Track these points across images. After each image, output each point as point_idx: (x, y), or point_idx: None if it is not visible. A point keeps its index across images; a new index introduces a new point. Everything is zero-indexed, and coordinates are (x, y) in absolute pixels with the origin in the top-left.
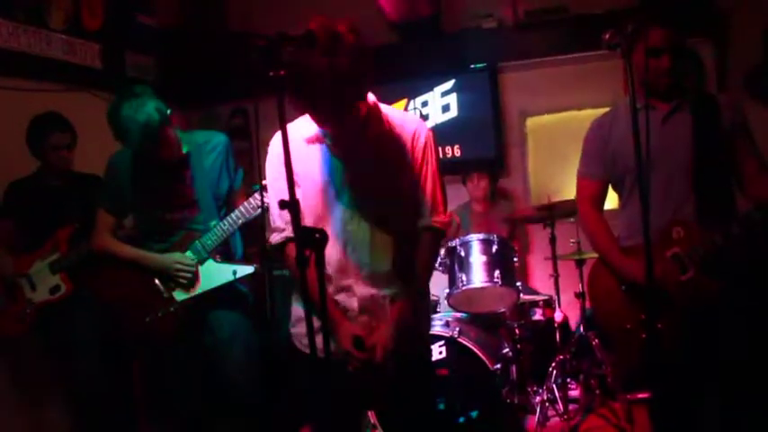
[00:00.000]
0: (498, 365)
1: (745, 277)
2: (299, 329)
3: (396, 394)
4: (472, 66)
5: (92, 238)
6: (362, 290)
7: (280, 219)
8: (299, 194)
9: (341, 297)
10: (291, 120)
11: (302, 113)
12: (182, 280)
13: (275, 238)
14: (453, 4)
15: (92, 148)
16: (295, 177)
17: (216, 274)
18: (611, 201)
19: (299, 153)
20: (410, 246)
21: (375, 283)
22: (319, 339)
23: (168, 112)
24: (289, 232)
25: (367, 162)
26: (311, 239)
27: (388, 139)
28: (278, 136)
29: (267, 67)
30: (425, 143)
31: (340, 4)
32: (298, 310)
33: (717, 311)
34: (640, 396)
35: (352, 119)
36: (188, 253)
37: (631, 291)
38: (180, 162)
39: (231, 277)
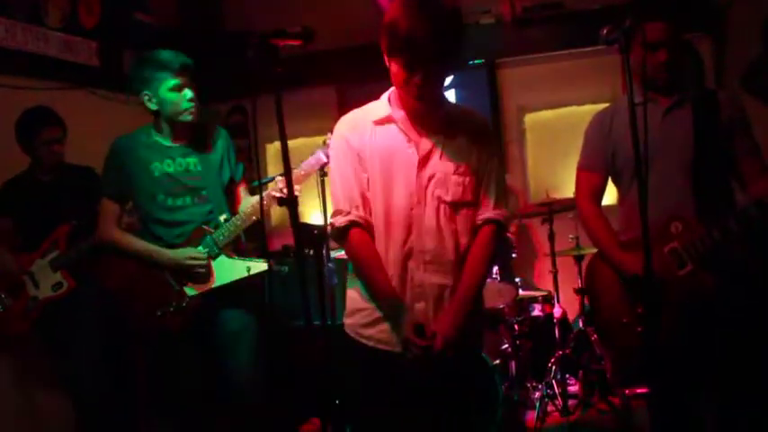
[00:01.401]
0: (498, 361)
1: (743, 273)
2: (355, 320)
3: (446, 386)
4: (470, 62)
5: (98, 229)
6: (422, 276)
7: (346, 201)
8: (364, 179)
9: (399, 282)
10: (289, 118)
11: (395, 77)
12: (194, 273)
13: (339, 221)
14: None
15: (89, 145)
16: (362, 161)
17: (230, 269)
18: (610, 196)
19: (366, 136)
20: (473, 237)
21: (436, 271)
22: (376, 330)
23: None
24: (353, 216)
25: (436, 146)
26: (310, 236)
27: (458, 128)
28: (341, 121)
29: (265, 64)
30: (491, 136)
31: (337, 2)
32: (356, 299)
33: (714, 307)
34: (639, 391)
35: (440, 89)
36: (200, 248)
37: (629, 285)
38: (187, 142)
39: (245, 273)
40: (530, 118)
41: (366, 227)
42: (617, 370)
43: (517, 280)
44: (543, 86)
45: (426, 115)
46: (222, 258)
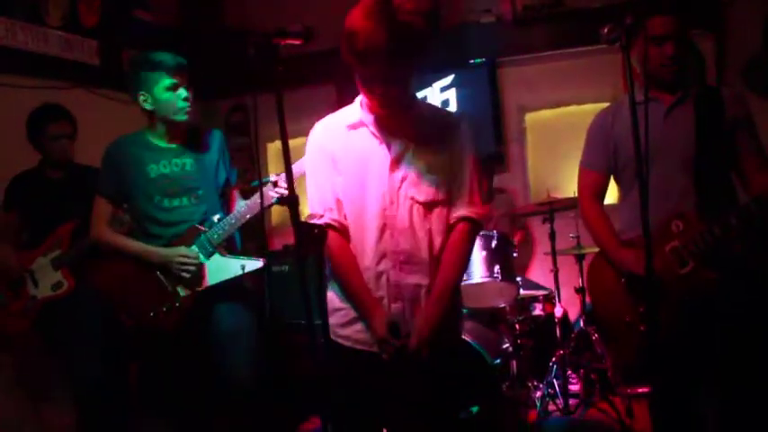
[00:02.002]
0: (498, 360)
1: (744, 270)
2: (333, 320)
3: (422, 384)
4: (471, 61)
5: (91, 228)
6: (398, 277)
7: (319, 205)
8: (338, 182)
9: (375, 284)
10: (291, 116)
11: (359, 85)
12: (185, 274)
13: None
14: (452, 0)
15: (89, 144)
16: (335, 166)
17: (224, 268)
18: (611, 195)
19: (340, 140)
20: (447, 235)
21: (411, 271)
22: (353, 330)
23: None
24: (327, 219)
25: (408, 147)
26: (310, 235)
27: (430, 127)
28: (317, 125)
29: (266, 63)
30: (466, 132)
31: (336, 1)
32: (333, 299)
33: (715, 304)
34: (640, 390)
35: (403, 95)
36: (193, 247)
37: (631, 283)
38: (183, 143)
39: (239, 271)
40: (530, 117)
41: (340, 229)
42: (618, 369)
43: (518, 279)
44: (544, 86)
45: (396, 118)
46: (216, 257)
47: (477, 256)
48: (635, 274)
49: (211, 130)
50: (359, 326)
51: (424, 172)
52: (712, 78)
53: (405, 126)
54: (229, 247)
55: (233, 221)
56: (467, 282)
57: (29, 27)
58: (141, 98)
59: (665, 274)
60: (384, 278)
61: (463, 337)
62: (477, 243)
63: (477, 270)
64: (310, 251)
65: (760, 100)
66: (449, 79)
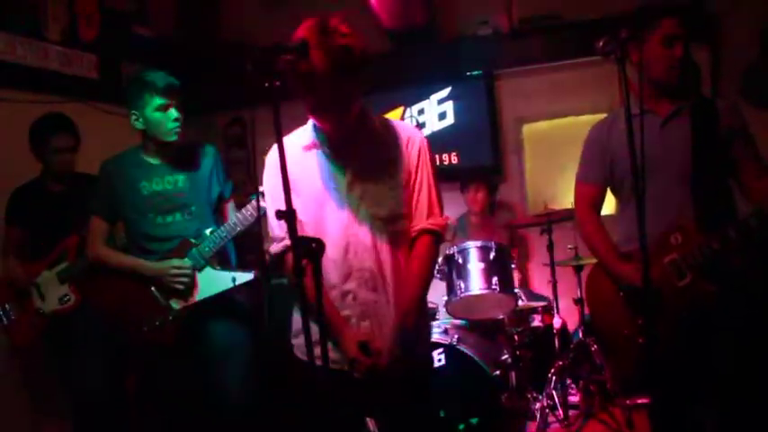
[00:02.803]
0: (497, 372)
1: (743, 282)
2: (301, 340)
3: (399, 399)
4: (468, 73)
5: (87, 246)
6: (364, 294)
7: (279, 228)
8: (297, 203)
9: (342, 303)
10: (288, 129)
11: (307, 112)
12: (179, 286)
13: (275, 247)
14: (448, 12)
15: (89, 158)
16: (293, 186)
17: (215, 281)
18: (610, 206)
19: (296, 161)
20: (409, 249)
21: (377, 288)
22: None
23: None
24: (288, 241)
25: (364, 165)
26: (308, 249)
27: (384, 143)
28: (275, 147)
29: (263, 78)
30: (420, 147)
31: (334, 13)
32: (299, 320)
33: (713, 316)
34: (640, 401)
35: (350, 116)
36: (185, 260)
37: (629, 296)
38: (175, 161)
39: (230, 284)
40: (528, 128)
41: None
42: (617, 380)
43: (516, 290)
44: (541, 97)
45: (349, 137)
46: (208, 270)
47: (476, 267)
48: (633, 288)
49: (204, 145)
50: (329, 345)
51: (381, 188)
52: (708, 89)
53: (359, 144)
54: (222, 260)
55: (224, 234)
56: (466, 294)
57: (28, 41)
58: (133, 117)
59: (663, 286)
60: (350, 296)
61: (462, 348)
62: (476, 255)
63: (476, 282)
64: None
65: (756, 111)
66: (446, 91)
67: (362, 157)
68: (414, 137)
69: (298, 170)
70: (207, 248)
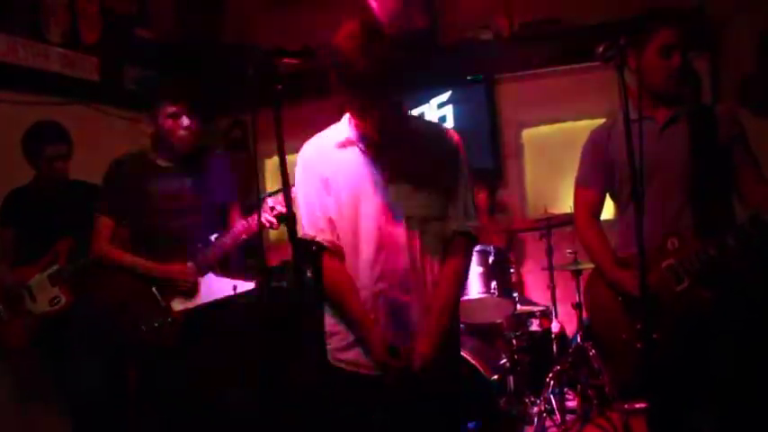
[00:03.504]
0: (496, 376)
1: (740, 287)
2: (335, 344)
3: (429, 404)
4: (468, 77)
5: (92, 244)
6: (396, 296)
7: (310, 226)
8: (329, 202)
9: (373, 304)
10: (288, 133)
11: (351, 112)
12: (181, 289)
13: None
14: (449, 17)
15: (89, 159)
16: (325, 185)
17: (216, 287)
18: (609, 211)
19: (330, 159)
20: (444, 252)
21: (409, 290)
22: (354, 353)
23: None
24: (319, 240)
25: (400, 165)
26: (308, 252)
27: (420, 143)
28: (307, 144)
29: (265, 81)
30: (458, 148)
31: (335, 18)
32: (330, 321)
33: (711, 321)
34: (638, 406)
35: (395, 118)
36: (190, 264)
37: (627, 301)
38: (183, 164)
39: (231, 292)
40: (528, 133)
41: (333, 250)
42: (616, 385)
43: (515, 295)
44: (541, 102)
45: (388, 135)
46: (210, 276)
47: (474, 271)
48: (631, 293)
49: (214, 151)
50: (359, 349)
51: (417, 189)
52: (708, 97)
53: (397, 143)
54: (225, 267)
55: (227, 241)
56: (464, 297)
57: (30, 43)
58: (146, 119)
59: (661, 291)
60: (382, 298)
61: (460, 352)
62: (474, 259)
63: (474, 285)
64: (308, 267)
65: (755, 119)
66: (446, 95)
67: (399, 156)
68: (452, 136)
69: (332, 168)
70: (210, 254)
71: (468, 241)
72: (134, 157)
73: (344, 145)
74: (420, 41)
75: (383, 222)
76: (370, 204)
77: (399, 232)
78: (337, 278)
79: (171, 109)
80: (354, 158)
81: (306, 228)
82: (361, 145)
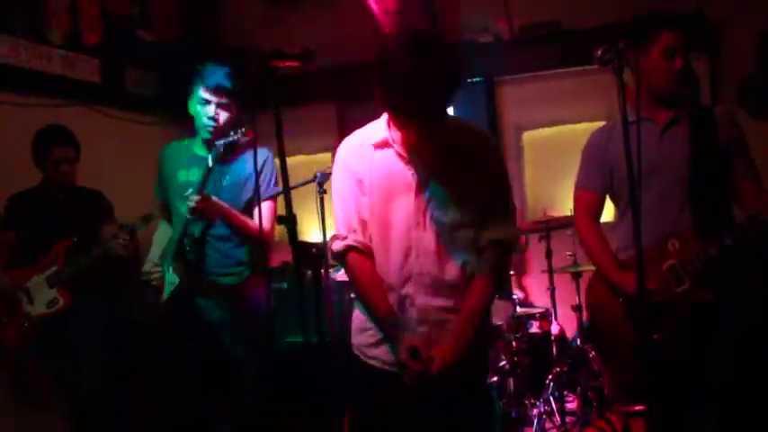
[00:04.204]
0: (495, 378)
1: (740, 288)
2: (361, 340)
3: (450, 411)
4: (468, 80)
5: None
6: (423, 299)
7: (343, 226)
8: (363, 202)
9: (400, 307)
10: (289, 135)
11: (393, 116)
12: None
13: (337, 245)
14: (449, 19)
15: (91, 161)
16: (360, 187)
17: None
18: (610, 213)
19: (366, 159)
20: (476, 258)
21: (437, 294)
22: (382, 350)
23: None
24: (350, 240)
25: (435, 168)
26: (308, 255)
27: (456, 146)
28: (344, 143)
29: (265, 85)
30: (495, 153)
31: (336, 20)
32: (361, 318)
33: (712, 322)
34: (637, 408)
35: (438, 125)
36: (164, 259)
37: (628, 302)
38: (217, 156)
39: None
40: (528, 136)
41: (365, 251)
42: (616, 386)
43: (514, 297)
44: (541, 104)
45: (425, 139)
46: (168, 275)
47: None
48: (631, 295)
49: (257, 148)
50: (387, 347)
51: (450, 194)
52: (707, 99)
53: (432, 146)
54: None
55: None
56: None
57: (31, 45)
58: (188, 102)
59: (662, 293)
60: (408, 301)
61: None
62: None
63: None
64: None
65: (755, 121)
66: None
67: (435, 159)
68: (489, 140)
69: (366, 168)
70: (170, 251)
71: (503, 250)
72: (180, 143)
73: (381, 146)
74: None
75: (413, 226)
76: (402, 208)
77: (429, 237)
78: (366, 278)
79: (200, 95)
80: (390, 160)
81: (339, 227)
82: (397, 147)
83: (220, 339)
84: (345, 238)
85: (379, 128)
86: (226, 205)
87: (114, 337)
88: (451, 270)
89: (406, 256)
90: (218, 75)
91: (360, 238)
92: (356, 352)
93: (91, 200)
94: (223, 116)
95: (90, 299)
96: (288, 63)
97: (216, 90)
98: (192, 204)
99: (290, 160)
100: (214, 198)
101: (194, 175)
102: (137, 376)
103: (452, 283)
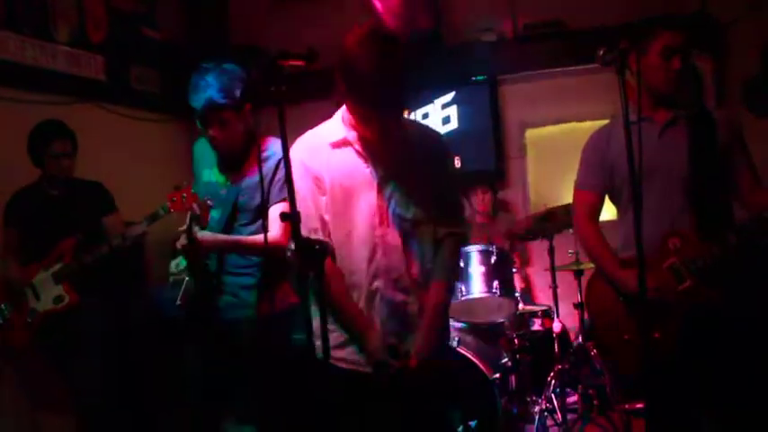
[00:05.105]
0: (497, 375)
1: (742, 287)
2: (329, 342)
3: (425, 402)
4: (472, 78)
5: None
6: (392, 295)
7: (303, 226)
8: (323, 201)
9: (369, 303)
10: (291, 133)
11: (354, 114)
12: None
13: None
14: (453, 18)
15: (96, 159)
16: (319, 184)
17: None
18: (611, 212)
19: (323, 158)
20: (435, 251)
21: (403, 289)
22: (348, 351)
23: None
24: (312, 239)
25: (394, 166)
26: (311, 252)
27: (413, 145)
28: (297, 142)
29: (269, 83)
30: (447, 153)
31: (340, 19)
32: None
33: (713, 320)
34: (638, 406)
35: (397, 122)
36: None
37: (629, 301)
38: (234, 157)
39: None
40: (531, 134)
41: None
42: (617, 385)
43: (517, 295)
44: (544, 103)
45: (383, 138)
46: None
47: (477, 271)
48: (632, 293)
49: (269, 153)
50: (353, 347)
51: (411, 192)
52: (711, 99)
53: (391, 146)
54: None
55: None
56: (466, 297)
57: (37, 43)
58: None
59: (664, 291)
60: (378, 297)
61: (462, 351)
62: (477, 258)
63: (477, 285)
64: (311, 268)
65: (758, 121)
66: (450, 96)
67: (393, 157)
68: (442, 141)
69: (325, 167)
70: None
71: (457, 241)
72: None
73: (339, 145)
74: (424, 42)
75: (377, 223)
76: (365, 205)
77: (393, 234)
78: (331, 277)
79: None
80: (350, 159)
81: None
82: (357, 146)
83: (237, 341)
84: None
85: (335, 127)
86: (222, 238)
87: (119, 335)
88: (415, 265)
89: (373, 253)
90: (208, 92)
91: (320, 236)
92: (318, 353)
93: (91, 192)
94: (224, 133)
95: (96, 297)
96: (292, 62)
97: (206, 113)
98: (179, 246)
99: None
100: (207, 235)
101: (216, 174)
102: (143, 375)
103: (416, 277)
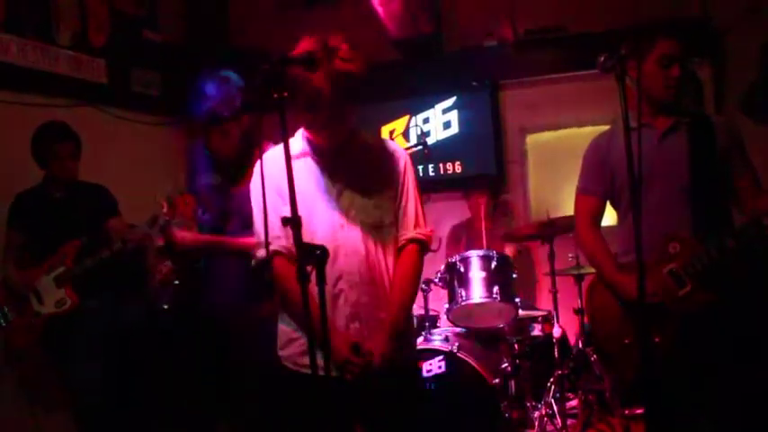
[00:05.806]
0: (497, 380)
1: (742, 291)
2: (290, 351)
3: (388, 401)
4: (473, 83)
5: None
6: (355, 296)
7: (265, 234)
8: (284, 210)
9: (333, 305)
10: (293, 136)
11: (302, 125)
12: None
13: (261, 252)
14: (454, 23)
15: (97, 162)
16: (281, 193)
17: None
18: (611, 217)
19: (284, 169)
20: (397, 256)
21: (366, 292)
22: (308, 357)
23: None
24: (275, 246)
25: (352, 177)
26: (312, 256)
27: (371, 157)
28: (265, 157)
29: (270, 88)
30: (405, 163)
31: (341, 23)
32: (287, 330)
33: (713, 324)
34: (638, 411)
35: (343, 132)
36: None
37: (629, 306)
38: (233, 161)
39: None
40: (531, 139)
41: (289, 256)
42: (617, 390)
43: (517, 300)
44: (545, 108)
45: (340, 149)
46: None
47: (477, 276)
48: (632, 298)
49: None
50: (319, 353)
51: (367, 197)
52: (710, 105)
53: (348, 156)
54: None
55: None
56: (466, 302)
57: (39, 46)
58: None
59: (664, 296)
60: (342, 298)
61: (462, 356)
62: (477, 264)
63: (477, 290)
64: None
65: (758, 127)
66: (451, 101)
67: (351, 169)
68: (399, 153)
69: (285, 180)
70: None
71: (420, 247)
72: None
73: (299, 156)
74: (425, 47)
75: (338, 227)
76: (325, 211)
77: (355, 236)
78: (294, 283)
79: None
80: (308, 169)
81: (261, 235)
82: (315, 158)
83: (226, 341)
84: (270, 244)
85: (297, 140)
86: (204, 238)
87: (119, 337)
88: (378, 268)
89: (335, 256)
90: (210, 104)
91: (284, 243)
92: (286, 363)
93: (95, 195)
94: (223, 142)
95: (96, 299)
96: (294, 67)
97: (207, 123)
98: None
99: None
100: (187, 235)
101: (212, 178)
102: (141, 377)
103: (379, 280)
